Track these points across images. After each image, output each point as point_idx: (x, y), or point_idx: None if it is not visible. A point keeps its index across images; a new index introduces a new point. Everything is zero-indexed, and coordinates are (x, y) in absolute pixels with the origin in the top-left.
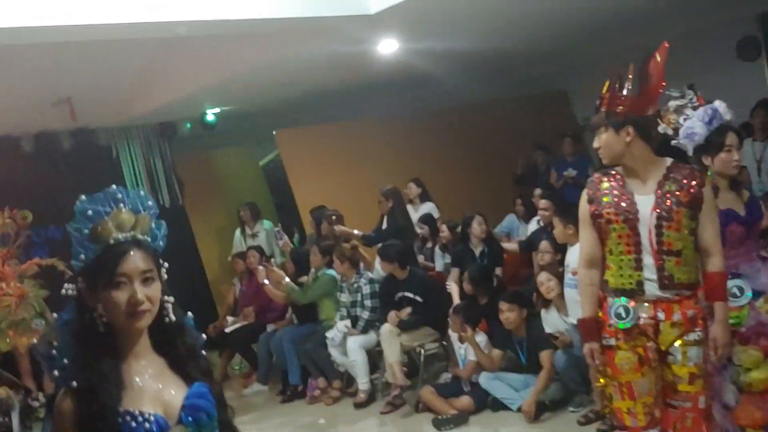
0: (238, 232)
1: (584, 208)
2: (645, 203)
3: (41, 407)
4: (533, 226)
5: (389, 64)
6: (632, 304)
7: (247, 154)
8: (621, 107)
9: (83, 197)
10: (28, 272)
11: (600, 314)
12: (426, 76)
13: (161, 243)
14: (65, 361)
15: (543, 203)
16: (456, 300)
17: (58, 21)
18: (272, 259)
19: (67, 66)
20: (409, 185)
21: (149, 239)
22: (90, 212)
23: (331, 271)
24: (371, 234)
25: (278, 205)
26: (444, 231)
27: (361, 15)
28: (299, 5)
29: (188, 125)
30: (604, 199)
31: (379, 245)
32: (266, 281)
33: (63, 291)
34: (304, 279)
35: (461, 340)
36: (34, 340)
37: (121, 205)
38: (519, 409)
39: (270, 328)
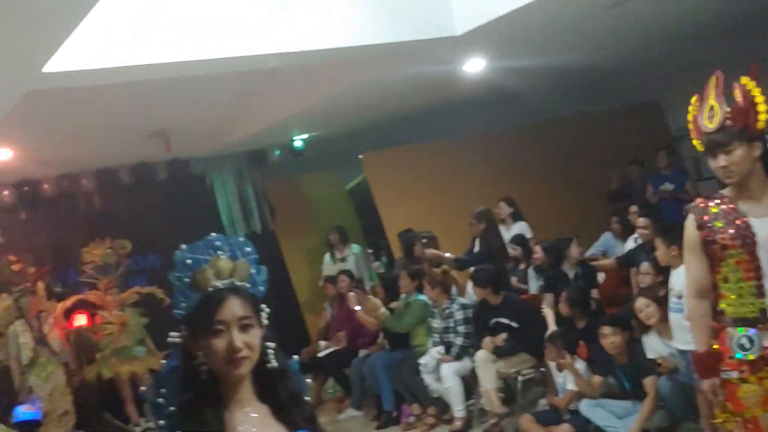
0: (327, 256)
1: (692, 234)
2: (761, 226)
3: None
4: (630, 244)
5: (475, 82)
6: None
7: (334, 178)
8: (749, 121)
9: (183, 246)
10: (129, 300)
11: (716, 346)
12: (513, 93)
13: (261, 288)
14: (171, 408)
15: (642, 221)
16: (551, 326)
17: (152, 59)
18: (363, 283)
19: (162, 100)
20: (500, 205)
21: (248, 285)
22: (189, 261)
23: (423, 297)
24: (463, 257)
25: (365, 228)
26: (538, 252)
27: (448, 37)
28: (385, 32)
29: (277, 152)
30: (717, 224)
31: (472, 269)
32: (358, 307)
33: (169, 339)
34: (394, 305)
35: (559, 368)
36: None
37: (220, 252)
38: None
39: (362, 353)
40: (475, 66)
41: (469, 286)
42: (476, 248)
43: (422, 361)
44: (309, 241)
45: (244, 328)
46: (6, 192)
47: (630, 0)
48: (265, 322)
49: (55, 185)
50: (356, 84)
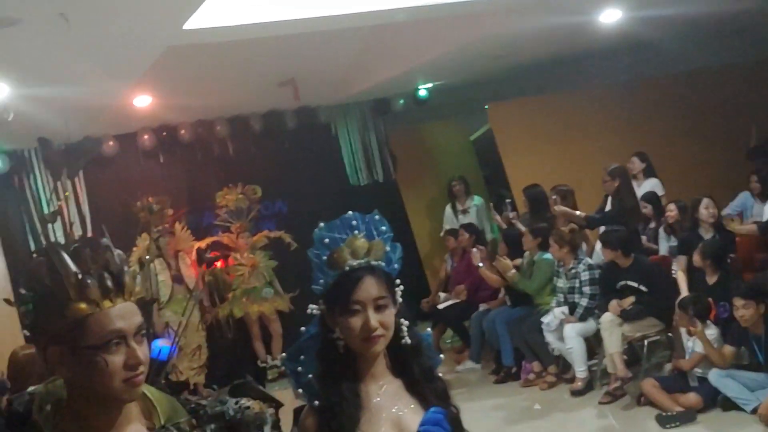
0: (448, 207)
1: None
2: None
3: (270, 369)
4: None
5: (610, 32)
6: None
7: (458, 127)
8: None
9: (321, 225)
10: (259, 244)
11: None
12: (649, 43)
13: (396, 266)
14: (309, 376)
15: None
16: (683, 290)
17: (285, 16)
18: (484, 236)
19: (292, 51)
20: (632, 160)
21: (383, 264)
22: (327, 240)
23: (548, 255)
24: (595, 215)
25: (488, 180)
26: (672, 210)
27: None
28: None
29: (401, 101)
30: None
31: (602, 229)
32: (480, 264)
33: (308, 310)
34: (517, 262)
35: (690, 333)
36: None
37: (356, 231)
38: (754, 411)
39: (482, 307)
40: (610, 16)
41: (598, 246)
42: (608, 206)
43: (545, 320)
44: (430, 191)
45: (380, 308)
46: (146, 136)
47: None
48: (400, 299)
49: (191, 131)
50: (486, 35)
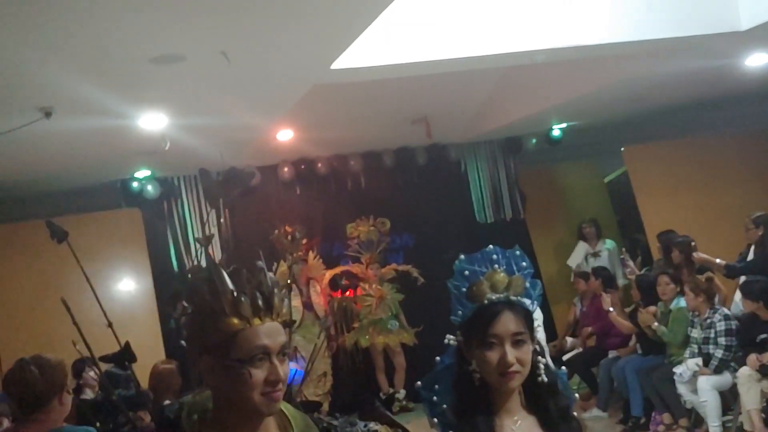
0: (581, 243)
1: None
2: None
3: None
4: None
5: (756, 77)
6: None
7: (591, 169)
8: None
9: (462, 257)
10: (387, 276)
11: None
12: None
13: (536, 303)
14: (444, 407)
15: None
16: None
17: (426, 57)
18: (615, 281)
19: (426, 90)
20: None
21: (522, 300)
22: (467, 272)
23: (683, 303)
24: (735, 264)
25: (621, 224)
26: None
27: (732, 32)
28: (669, 26)
29: (533, 140)
30: None
31: (741, 279)
32: (611, 309)
33: (445, 340)
34: (652, 309)
35: None
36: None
37: (496, 265)
38: None
39: (612, 354)
40: (756, 60)
41: (737, 296)
42: (750, 256)
43: (677, 370)
44: (560, 232)
45: (517, 343)
46: (286, 168)
47: None
48: (539, 335)
49: (327, 164)
50: (624, 77)
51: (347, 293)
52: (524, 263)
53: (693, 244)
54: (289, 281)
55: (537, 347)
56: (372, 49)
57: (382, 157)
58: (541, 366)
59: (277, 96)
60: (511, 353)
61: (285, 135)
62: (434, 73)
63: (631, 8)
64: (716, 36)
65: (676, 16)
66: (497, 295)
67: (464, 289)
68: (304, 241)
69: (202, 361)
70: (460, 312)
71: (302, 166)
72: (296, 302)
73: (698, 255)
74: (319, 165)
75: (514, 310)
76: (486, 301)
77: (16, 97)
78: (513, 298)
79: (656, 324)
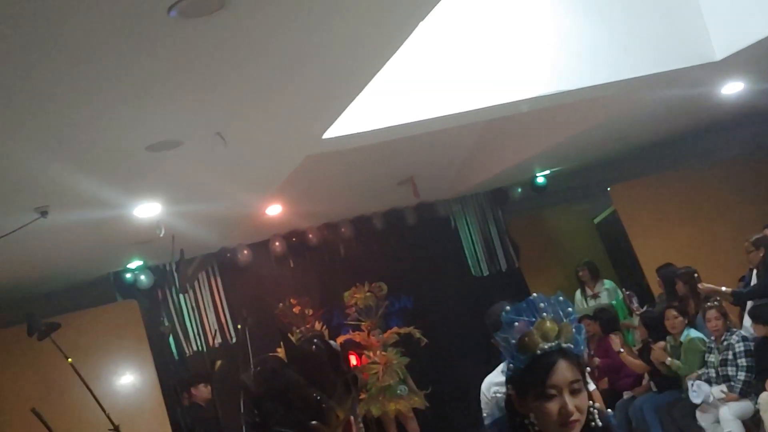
0: (578, 293)
1: None
2: None
3: None
4: None
5: (732, 105)
6: None
7: (579, 211)
8: None
9: (508, 308)
10: (390, 341)
11: None
12: None
13: (582, 347)
14: None
15: None
16: None
17: (414, 117)
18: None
19: (410, 150)
20: (766, 232)
21: (573, 346)
22: (516, 323)
23: (695, 333)
24: (741, 290)
25: (616, 263)
26: None
27: (707, 63)
28: (645, 63)
29: (518, 189)
30: None
31: (749, 304)
32: (621, 350)
33: (492, 394)
34: (661, 344)
35: None
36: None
37: (544, 314)
38: None
39: (627, 394)
40: (732, 89)
41: (747, 321)
42: (753, 279)
43: (696, 399)
44: (557, 278)
45: (575, 391)
46: (277, 243)
47: None
48: (590, 384)
49: (318, 234)
50: (606, 118)
51: (351, 364)
52: (570, 309)
53: (696, 275)
54: None
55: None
56: (360, 115)
57: (372, 221)
58: (595, 411)
59: (271, 171)
60: (571, 402)
61: (274, 210)
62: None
63: (607, 50)
64: (692, 68)
65: (651, 53)
66: (550, 344)
67: (514, 341)
68: (310, 312)
69: None
70: (511, 365)
71: (293, 239)
72: None
73: (704, 285)
74: (310, 236)
75: (567, 357)
76: (539, 351)
77: (10, 200)
78: (565, 345)
79: (669, 359)
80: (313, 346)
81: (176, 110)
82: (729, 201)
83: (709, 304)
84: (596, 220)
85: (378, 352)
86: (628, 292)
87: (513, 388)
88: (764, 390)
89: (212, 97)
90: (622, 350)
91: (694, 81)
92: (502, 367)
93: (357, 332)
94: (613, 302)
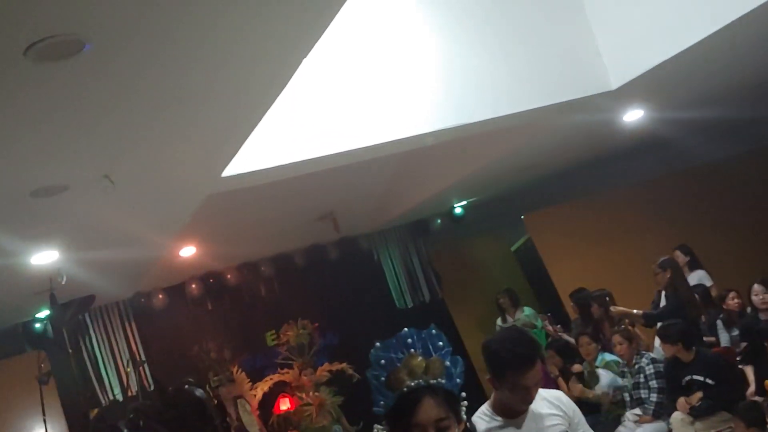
0: (498, 320)
1: None
2: None
3: None
4: None
5: (634, 132)
6: None
7: (498, 240)
8: None
9: (377, 344)
10: (322, 379)
11: None
12: (675, 138)
13: (458, 381)
14: None
15: None
16: (752, 380)
17: (320, 152)
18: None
19: (328, 185)
20: (676, 253)
21: (443, 382)
22: (383, 361)
23: (610, 356)
24: (652, 312)
25: (535, 289)
26: (733, 299)
27: (604, 92)
28: (543, 94)
29: (438, 221)
30: None
31: (659, 325)
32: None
33: (374, 431)
34: (577, 368)
35: None
36: None
37: (413, 349)
38: None
39: None
40: (633, 116)
41: (657, 342)
42: (662, 301)
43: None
44: (479, 306)
45: (441, 429)
46: (194, 285)
47: None
48: (464, 416)
49: (237, 275)
50: (514, 148)
51: (280, 409)
52: (440, 342)
53: (608, 298)
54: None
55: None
56: (262, 152)
57: (293, 259)
58: None
59: (171, 213)
60: None
61: (188, 252)
62: (332, 168)
63: (508, 82)
64: (590, 98)
65: (550, 83)
66: (416, 381)
67: (383, 379)
68: (229, 356)
69: None
70: (381, 402)
71: (210, 280)
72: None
73: (615, 308)
74: (228, 276)
75: (434, 394)
76: (405, 389)
77: None
78: (432, 381)
79: (593, 393)
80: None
81: (54, 154)
82: (636, 224)
83: (615, 328)
84: (513, 248)
85: (311, 393)
86: (548, 314)
87: (387, 426)
88: (675, 410)
89: (90, 140)
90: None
91: (594, 110)
92: None
93: (287, 371)
94: (534, 330)
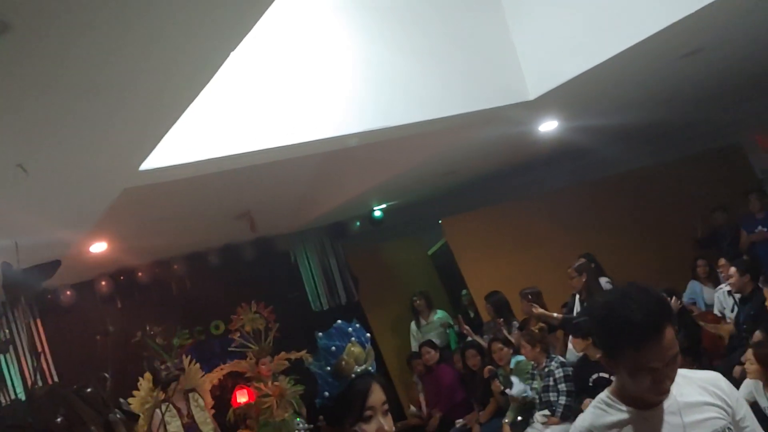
0: (413, 324)
1: None
2: None
3: None
4: (720, 294)
5: (549, 141)
6: None
7: (415, 244)
8: None
9: (320, 334)
10: (280, 368)
11: None
12: (587, 148)
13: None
14: None
15: (732, 271)
16: None
17: (240, 149)
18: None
19: (246, 184)
20: (580, 260)
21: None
22: (334, 348)
23: (521, 358)
24: (570, 316)
25: (450, 293)
26: None
27: (522, 102)
28: (463, 102)
29: (357, 223)
30: None
31: (572, 322)
32: None
33: (296, 428)
34: (486, 371)
35: None
36: None
37: (352, 338)
38: None
39: (459, 423)
40: (548, 127)
41: (570, 341)
42: (576, 304)
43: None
44: (395, 310)
45: (386, 412)
46: (104, 282)
47: (703, 49)
48: None
49: (149, 272)
50: (434, 153)
51: (237, 402)
52: (368, 335)
53: (530, 296)
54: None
55: None
56: (182, 147)
57: (207, 258)
58: None
59: (85, 206)
60: (387, 422)
61: (99, 247)
62: (251, 166)
63: (431, 88)
64: (508, 107)
65: (471, 91)
66: (362, 368)
67: (329, 368)
68: (179, 343)
69: None
70: (327, 393)
71: (121, 277)
72: (175, 427)
73: (537, 310)
74: (140, 274)
75: (377, 380)
76: (354, 375)
77: None
78: (371, 368)
79: (508, 391)
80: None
81: None
82: (549, 231)
83: (522, 332)
84: (430, 252)
85: (270, 383)
86: (459, 316)
87: (326, 418)
88: (581, 411)
89: (5, 127)
90: None
91: (512, 119)
92: None
93: (240, 361)
94: (448, 330)
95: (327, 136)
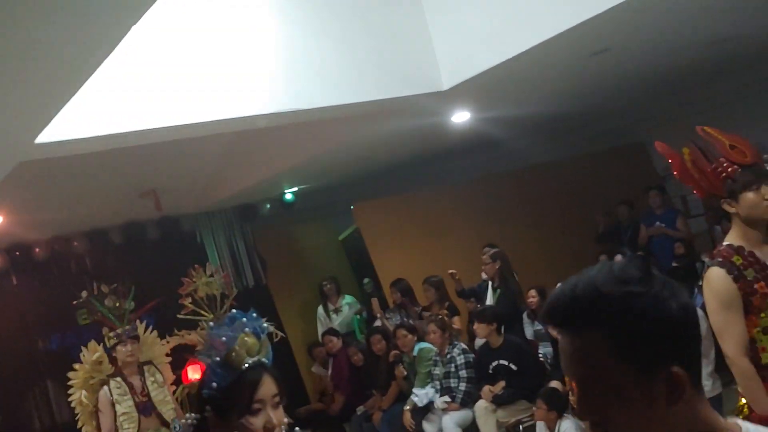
0: (320, 308)
1: (730, 288)
2: None
3: None
4: None
5: (462, 133)
6: None
7: (326, 228)
8: None
9: (211, 324)
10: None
11: None
12: (499, 141)
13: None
14: None
15: None
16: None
17: (143, 125)
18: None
19: (152, 161)
20: (485, 250)
21: (269, 362)
22: (224, 338)
23: (426, 344)
24: (487, 306)
25: (360, 278)
26: (533, 296)
27: (435, 92)
28: (376, 89)
29: (267, 205)
30: (748, 274)
31: (477, 309)
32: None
33: (184, 420)
34: (392, 355)
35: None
36: None
37: (246, 329)
38: None
39: (360, 409)
40: (461, 118)
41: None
42: (489, 290)
43: (414, 399)
44: (303, 294)
45: (276, 405)
46: None
47: (611, 49)
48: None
49: (46, 248)
50: (347, 139)
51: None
52: (264, 324)
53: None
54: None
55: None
56: (82, 120)
57: (109, 235)
58: (284, 427)
59: None
60: (274, 415)
61: None
62: (157, 143)
63: (346, 73)
64: (421, 96)
65: (385, 79)
66: (253, 360)
67: (218, 358)
68: (131, 306)
69: None
70: (214, 384)
71: (17, 253)
72: (126, 406)
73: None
74: (37, 249)
75: (269, 372)
76: (245, 366)
77: None
78: (264, 360)
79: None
80: None
81: None
82: (457, 221)
83: (431, 316)
84: (341, 237)
85: None
86: (374, 299)
87: (213, 409)
88: (479, 398)
89: None
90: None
91: (425, 109)
92: None
93: (188, 333)
94: (357, 317)
95: (235, 116)
